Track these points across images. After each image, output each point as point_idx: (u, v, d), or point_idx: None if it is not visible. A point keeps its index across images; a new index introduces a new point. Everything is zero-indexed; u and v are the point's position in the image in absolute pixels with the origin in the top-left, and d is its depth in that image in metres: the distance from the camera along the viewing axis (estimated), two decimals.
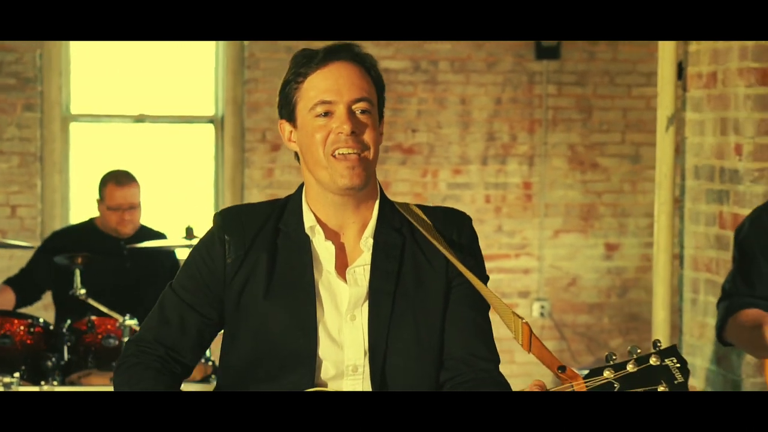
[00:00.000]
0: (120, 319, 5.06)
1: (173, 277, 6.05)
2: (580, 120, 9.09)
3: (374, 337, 2.64)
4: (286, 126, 2.74)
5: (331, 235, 2.71)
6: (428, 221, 2.74)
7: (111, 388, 4.93)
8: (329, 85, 2.65)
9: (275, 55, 8.61)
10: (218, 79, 8.74)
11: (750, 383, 4.79)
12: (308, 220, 2.70)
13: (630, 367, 2.50)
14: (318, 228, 2.69)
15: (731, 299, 3.80)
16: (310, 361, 2.62)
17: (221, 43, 8.61)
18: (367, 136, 2.65)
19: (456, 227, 2.75)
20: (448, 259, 2.68)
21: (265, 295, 2.65)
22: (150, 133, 8.71)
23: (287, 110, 2.72)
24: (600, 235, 9.07)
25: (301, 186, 2.76)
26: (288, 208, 2.73)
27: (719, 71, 5.11)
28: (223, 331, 2.79)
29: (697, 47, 5.24)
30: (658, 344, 2.53)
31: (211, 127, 8.76)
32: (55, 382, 5.03)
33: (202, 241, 2.76)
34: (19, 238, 8.16)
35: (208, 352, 5.38)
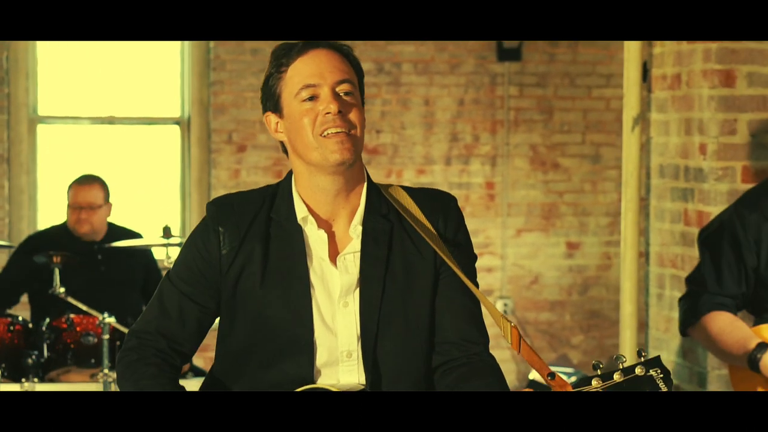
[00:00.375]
0: (100, 316, 5.15)
1: (149, 276, 6.08)
2: (541, 121, 9.24)
3: (365, 322, 2.73)
4: (272, 117, 2.82)
5: (323, 223, 2.79)
6: (415, 206, 2.82)
7: (89, 386, 5.06)
8: (312, 70, 2.74)
9: (240, 57, 8.72)
10: (184, 81, 8.83)
11: (715, 375, 4.95)
12: (300, 210, 2.78)
13: (617, 377, 2.61)
14: (310, 218, 2.77)
15: (701, 297, 3.94)
16: (308, 348, 2.72)
17: (186, 45, 8.70)
18: (353, 116, 2.75)
19: (442, 214, 2.83)
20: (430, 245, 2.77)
21: (261, 284, 2.73)
22: (117, 134, 8.78)
23: (272, 102, 2.80)
24: (561, 234, 9.22)
25: (290, 174, 2.84)
26: (278, 197, 2.81)
27: (683, 73, 5.24)
28: (218, 320, 2.88)
29: (662, 49, 5.36)
30: (643, 353, 2.63)
31: (177, 128, 8.85)
32: (35, 379, 5.13)
33: (196, 232, 2.83)
34: None
35: None
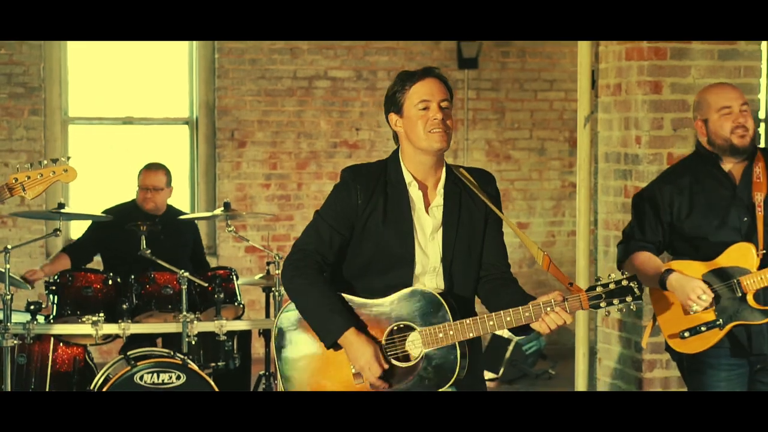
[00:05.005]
0: (179, 272, 6.42)
1: (196, 244, 7.33)
2: (495, 120, 10.46)
3: (446, 250, 4.14)
4: (394, 117, 4.14)
5: (421, 186, 4.16)
6: (471, 178, 4.20)
7: (170, 326, 6.33)
8: (427, 91, 4.09)
9: (241, 66, 9.92)
10: (192, 87, 9.95)
11: (649, 309, 5.73)
12: (407, 176, 4.14)
13: (611, 286, 3.99)
14: (414, 182, 4.14)
15: (630, 242, 5.18)
16: (410, 264, 4.11)
17: (194, 55, 9.86)
18: (449, 120, 4.11)
19: (488, 183, 4.24)
20: (486, 203, 4.17)
21: (383, 224, 4.10)
22: (135, 132, 9.94)
23: (396, 107, 4.12)
24: (513, 215, 10.44)
25: (396, 153, 4.17)
26: (389, 167, 4.16)
27: (623, 83, 6.29)
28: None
29: (606, 65, 6.45)
30: (625, 272, 4.02)
31: (186, 127, 10.00)
32: (129, 321, 6.37)
33: (341, 188, 4.15)
34: (27, 224, 9.41)
35: (238, 296, 6.81)
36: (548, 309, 3.96)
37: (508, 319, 3.99)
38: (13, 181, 5.18)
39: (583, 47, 6.41)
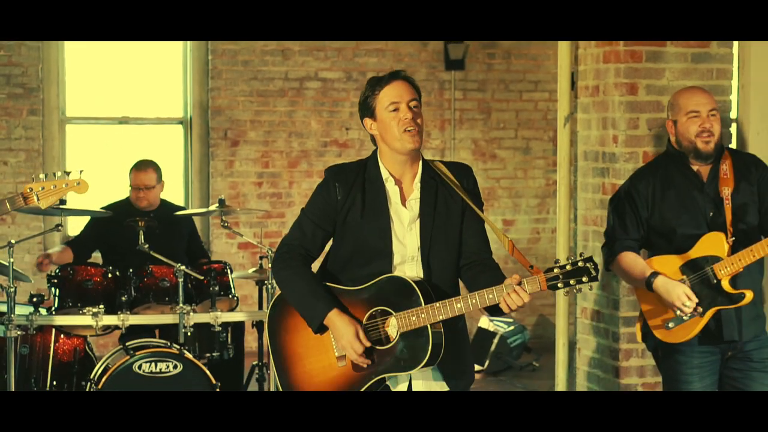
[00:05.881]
0: (176, 265, 6.66)
1: (192, 237, 7.59)
2: (481, 119, 10.69)
3: (423, 240, 4.37)
4: (369, 121, 4.39)
5: (397, 181, 4.40)
6: (448, 171, 4.43)
7: (168, 317, 6.58)
8: (395, 93, 4.33)
9: (234, 68, 10.17)
10: (186, 87, 10.20)
11: (625, 301, 6.37)
12: (384, 173, 4.38)
13: (568, 267, 4.20)
14: (391, 178, 4.39)
15: (615, 243, 5.37)
16: (389, 254, 4.36)
17: (188, 56, 10.11)
18: (419, 120, 4.35)
19: (465, 176, 4.47)
20: (462, 196, 4.43)
21: (361, 217, 4.36)
22: (131, 132, 10.16)
23: (369, 112, 4.37)
24: (499, 213, 10.67)
25: (375, 152, 4.42)
26: (368, 165, 4.40)
27: (601, 85, 6.46)
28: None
29: (585, 67, 6.62)
30: (583, 253, 4.23)
31: (180, 127, 10.24)
32: (128, 312, 6.61)
33: (322, 186, 4.41)
34: (26, 221, 9.66)
35: (233, 289, 7.09)
36: (509, 291, 4.18)
37: (474, 301, 4.23)
38: (28, 191, 5.41)
39: (563, 50, 6.62)
